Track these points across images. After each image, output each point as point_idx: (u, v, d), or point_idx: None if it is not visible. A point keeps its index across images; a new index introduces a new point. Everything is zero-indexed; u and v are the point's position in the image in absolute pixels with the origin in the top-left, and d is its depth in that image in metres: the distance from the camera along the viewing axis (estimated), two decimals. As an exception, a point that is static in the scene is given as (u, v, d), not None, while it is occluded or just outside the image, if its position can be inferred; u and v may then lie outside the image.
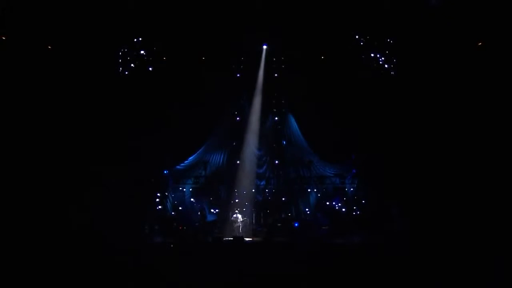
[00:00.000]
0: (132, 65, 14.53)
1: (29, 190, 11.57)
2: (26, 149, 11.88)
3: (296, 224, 14.15)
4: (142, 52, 14.53)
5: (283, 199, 15.79)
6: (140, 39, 14.40)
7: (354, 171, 15.38)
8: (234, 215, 14.37)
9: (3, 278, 7.64)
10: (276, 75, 15.51)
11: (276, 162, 16.07)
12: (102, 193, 12.93)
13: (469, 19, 11.78)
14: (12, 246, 9.55)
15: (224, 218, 14.92)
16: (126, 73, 14.49)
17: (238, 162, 15.79)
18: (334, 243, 12.54)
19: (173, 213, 15.68)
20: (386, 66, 14.24)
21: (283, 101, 16.01)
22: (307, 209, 15.71)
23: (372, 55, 14.35)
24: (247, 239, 13.10)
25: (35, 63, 12.47)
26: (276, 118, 16.14)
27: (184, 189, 16.19)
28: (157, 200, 15.56)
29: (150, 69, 14.70)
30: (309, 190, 15.86)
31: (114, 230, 12.83)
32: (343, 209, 15.18)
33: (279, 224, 14.34)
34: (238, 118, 16.06)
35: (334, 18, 12.84)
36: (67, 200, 12.06)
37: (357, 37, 14.23)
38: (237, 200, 15.33)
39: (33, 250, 9.42)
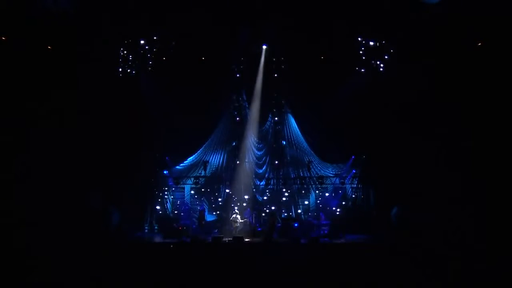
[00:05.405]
0: (131, 65, 14.55)
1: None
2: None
3: (296, 224, 14.14)
4: (142, 51, 14.53)
5: (283, 199, 15.79)
6: (140, 39, 14.41)
7: (354, 171, 15.40)
8: (233, 215, 14.36)
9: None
10: (276, 75, 15.50)
11: (276, 162, 16.06)
12: (101, 193, 12.96)
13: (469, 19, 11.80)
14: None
15: (224, 218, 14.92)
16: (126, 72, 14.51)
17: (238, 162, 15.79)
18: (334, 243, 12.54)
19: (173, 213, 15.69)
20: (385, 65, 14.25)
21: (283, 101, 16.00)
22: (306, 210, 15.76)
23: (372, 54, 14.35)
24: (246, 239, 13.09)
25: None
26: (276, 118, 16.13)
27: (184, 189, 16.19)
28: (157, 200, 15.58)
29: (150, 68, 14.72)
30: (309, 190, 15.86)
31: (114, 230, 12.89)
32: (343, 210, 15.20)
33: (279, 224, 14.32)
34: (238, 118, 16.05)
35: (334, 18, 12.84)
36: (66, 201, 12.08)
37: (357, 37, 14.24)
38: (236, 199, 15.34)
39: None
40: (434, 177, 12.47)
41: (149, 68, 14.72)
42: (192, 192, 16.08)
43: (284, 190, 15.88)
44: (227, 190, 15.70)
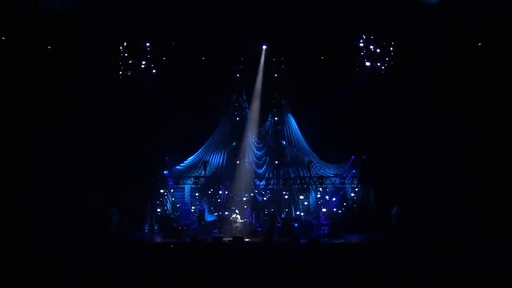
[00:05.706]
0: (132, 65, 14.56)
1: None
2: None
3: (296, 224, 14.13)
4: (142, 52, 14.53)
5: (283, 199, 15.78)
6: (140, 39, 14.41)
7: (354, 171, 15.40)
8: (234, 215, 14.36)
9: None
10: (276, 75, 15.50)
11: (276, 162, 16.06)
12: (101, 193, 12.96)
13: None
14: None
15: (224, 218, 14.91)
16: (126, 72, 14.51)
17: (238, 162, 15.79)
18: (334, 243, 12.54)
19: (173, 213, 15.68)
20: (385, 65, 14.25)
21: (283, 101, 15.99)
22: (306, 210, 15.77)
23: (372, 55, 14.35)
24: (246, 239, 13.10)
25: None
26: (276, 118, 16.12)
27: (184, 189, 16.18)
28: (157, 200, 15.57)
29: (150, 68, 14.74)
30: (309, 190, 15.86)
31: (114, 230, 12.89)
32: (343, 210, 15.20)
33: (279, 224, 14.32)
34: (238, 118, 16.04)
35: (334, 18, 12.84)
36: (66, 201, 12.08)
37: (357, 37, 14.24)
38: (235, 199, 15.34)
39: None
40: (435, 177, 12.48)
41: (149, 69, 14.72)
42: (192, 192, 16.07)
43: (284, 190, 15.88)
44: (227, 192, 15.70)
